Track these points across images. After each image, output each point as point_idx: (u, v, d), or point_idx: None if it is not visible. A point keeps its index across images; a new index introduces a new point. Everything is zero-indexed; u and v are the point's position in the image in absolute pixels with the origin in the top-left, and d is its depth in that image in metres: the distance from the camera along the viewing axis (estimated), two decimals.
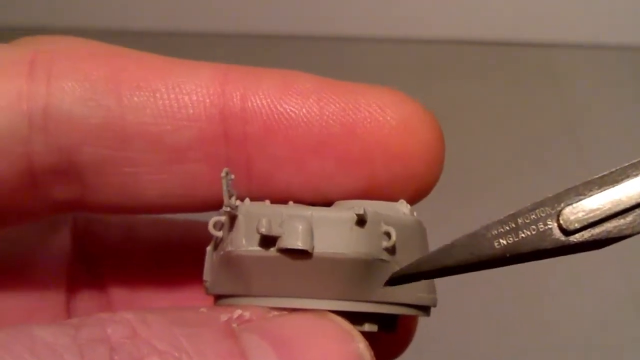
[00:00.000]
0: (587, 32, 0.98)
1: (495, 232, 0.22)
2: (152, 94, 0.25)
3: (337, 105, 0.25)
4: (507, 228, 0.22)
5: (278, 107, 0.25)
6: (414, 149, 0.25)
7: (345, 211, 0.23)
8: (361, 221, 0.22)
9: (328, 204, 0.25)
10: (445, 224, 0.69)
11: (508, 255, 0.22)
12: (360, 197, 0.25)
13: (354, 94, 0.25)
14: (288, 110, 0.25)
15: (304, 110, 0.25)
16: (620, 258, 0.78)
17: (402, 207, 0.25)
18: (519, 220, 0.22)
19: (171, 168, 0.25)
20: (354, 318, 0.23)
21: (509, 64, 0.97)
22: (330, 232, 0.22)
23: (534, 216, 0.22)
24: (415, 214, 0.25)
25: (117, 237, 0.31)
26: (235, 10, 0.97)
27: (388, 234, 0.23)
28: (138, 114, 0.25)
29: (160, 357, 0.20)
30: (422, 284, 0.24)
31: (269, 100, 0.25)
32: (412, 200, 0.25)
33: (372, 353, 0.22)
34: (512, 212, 0.22)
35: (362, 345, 0.22)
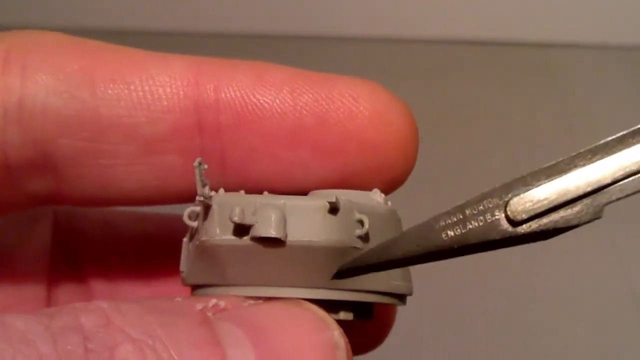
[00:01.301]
0: (587, 32, 0.97)
1: (443, 223, 0.22)
2: (126, 86, 0.25)
3: (311, 96, 0.25)
4: (455, 219, 0.22)
5: (252, 98, 0.25)
6: (387, 139, 0.25)
7: (318, 199, 0.23)
8: (334, 209, 0.22)
9: (303, 194, 0.25)
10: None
11: (456, 246, 0.22)
12: (335, 187, 0.25)
13: (327, 84, 0.25)
14: (261, 101, 0.25)
15: (277, 101, 0.25)
16: (620, 258, 0.77)
17: (376, 196, 0.25)
18: (467, 212, 0.22)
19: (146, 160, 0.26)
20: (329, 306, 0.23)
21: (509, 64, 0.97)
22: (303, 220, 0.22)
23: (481, 207, 0.21)
24: (389, 203, 0.25)
25: (98, 231, 0.31)
26: (234, 10, 0.97)
27: (361, 222, 0.23)
28: (112, 106, 0.25)
29: (134, 345, 0.20)
30: (398, 271, 0.24)
31: (242, 91, 0.25)
32: (387, 190, 0.25)
33: (347, 341, 0.22)
34: (459, 203, 0.22)
35: (337, 333, 0.22)
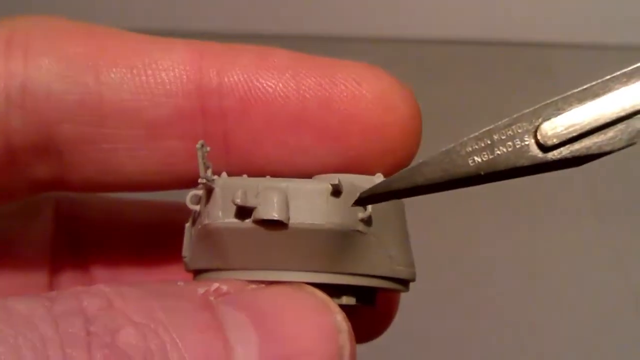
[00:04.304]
0: (587, 32, 0.97)
1: (470, 149, 0.21)
2: (129, 71, 0.25)
3: (314, 80, 0.25)
4: (482, 145, 0.20)
5: (254, 82, 0.25)
6: (390, 123, 0.25)
7: (321, 182, 0.23)
8: (336, 192, 0.22)
9: (306, 178, 0.25)
10: (435, 213, 0.69)
11: (483, 173, 0.20)
12: (338, 171, 0.25)
13: (330, 68, 0.25)
14: (265, 85, 0.25)
15: (280, 85, 0.25)
16: (620, 258, 0.77)
17: (380, 181, 0.25)
18: (495, 137, 0.20)
19: (149, 144, 0.26)
20: (332, 290, 0.23)
21: (509, 64, 0.97)
22: (306, 203, 0.22)
23: (510, 132, 0.20)
24: None
25: (100, 218, 0.31)
26: (234, 10, 0.97)
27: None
28: (116, 91, 0.25)
29: (136, 329, 0.20)
30: (400, 256, 0.24)
31: (245, 75, 0.25)
32: (390, 174, 0.25)
33: (350, 325, 0.22)
34: (487, 128, 0.21)
35: (339, 317, 0.22)
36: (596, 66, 0.95)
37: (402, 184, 0.21)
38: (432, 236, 0.72)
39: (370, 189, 0.22)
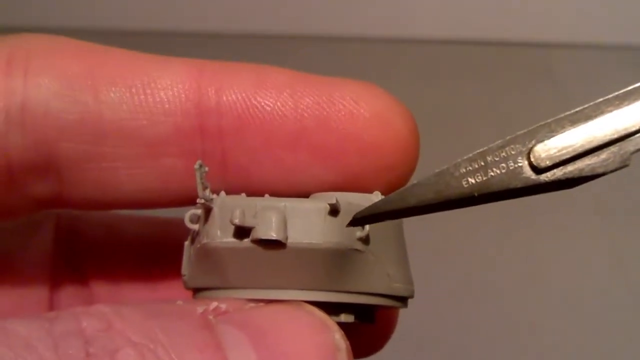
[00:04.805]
0: (587, 32, 0.97)
1: (464, 170, 0.21)
2: (128, 90, 0.25)
3: (311, 99, 0.25)
4: (476, 166, 0.21)
5: (253, 101, 0.25)
6: (387, 141, 0.25)
7: (319, 201, 0.23)
8: (334, 211, 0.23)
9: (305, 196, 0.25)
10: (433, 221, 0.69)
11: (476, 194, 0.21)
12: (336, 190, 0.25)
13: (328, 87, 0.25)
14: (263, 104, 0.25)
15: (278, 103, 0.25)
16: (620, 258, 0.77)
17: (377, 199, 0.25)
18: (488, 158, 0.21)
19: (148, 163, 0.26)
20: (330, 308, 0.23)
21: (509, 64, 0.97)
22: (304, 222, 0.22)
23: (503, 154, 0.21)
24: None
25: (100, 234, 0.31)
26: (234, 10, 0.97)
27: None
28: (115, 110, 0.25)
29: (135, 349, 0.20)
30: (399, 273, 0.24)
31: (243, 94, 0.26)
32: (388, 192, 0.25)
33: (348, 343, 0.22)
34: (480, 150, 0.21)
35: (337, 335, 0.22)
36: (596, 66, 0.96)
37: (396, 206, 0.21)
38: (431, 236, 0.72)
39: (364, 210, 0.22)
